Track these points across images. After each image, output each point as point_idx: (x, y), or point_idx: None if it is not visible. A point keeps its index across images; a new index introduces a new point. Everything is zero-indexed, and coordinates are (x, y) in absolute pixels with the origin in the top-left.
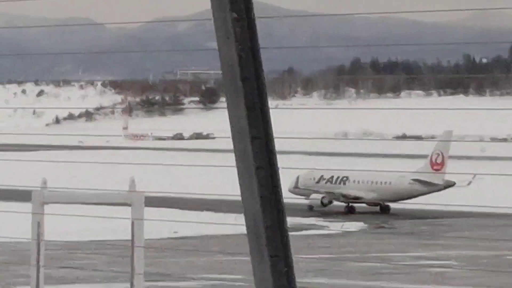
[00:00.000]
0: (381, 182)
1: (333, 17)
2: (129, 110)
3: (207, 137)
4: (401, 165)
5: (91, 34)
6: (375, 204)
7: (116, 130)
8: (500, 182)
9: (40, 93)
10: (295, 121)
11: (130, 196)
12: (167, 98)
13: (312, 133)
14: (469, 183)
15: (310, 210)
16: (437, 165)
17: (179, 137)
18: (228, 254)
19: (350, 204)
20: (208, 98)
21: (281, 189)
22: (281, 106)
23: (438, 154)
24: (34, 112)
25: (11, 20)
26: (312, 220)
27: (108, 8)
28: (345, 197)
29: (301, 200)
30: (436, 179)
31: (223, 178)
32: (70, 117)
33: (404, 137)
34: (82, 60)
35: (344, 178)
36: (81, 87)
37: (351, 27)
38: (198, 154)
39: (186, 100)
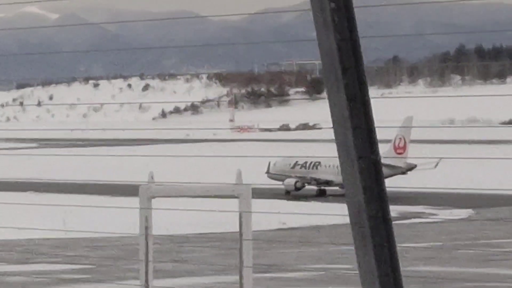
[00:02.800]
0: None
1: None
2: (234, 102)
3: (313, 127)
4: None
5: (196, 27)
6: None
7: (222, 123)
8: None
9: (146, 87)
10: (401, 109)
11: (238, 188)
12: (272, 89)
13: (418, 121)
14: (436, 165)
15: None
16: (400, 149)
17: (285, 128)
18: (336, 244)
19: (322, 187)
20: (313, 88)
21: (383, 179)
22: (387, 94)
23: (400, 139)
24: (140, 107)
25: (115, 15)
26: (420, 208)
27: (212, 0)
28: (316, 181)
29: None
30: (399, 162)
31: None
32: (176, 110)
33: (510, 123)
34: (187, 53)
35: (317, 163)
36: (187, 80)
37: (454, 13)
38: (304, 145)
39: (292, 90)
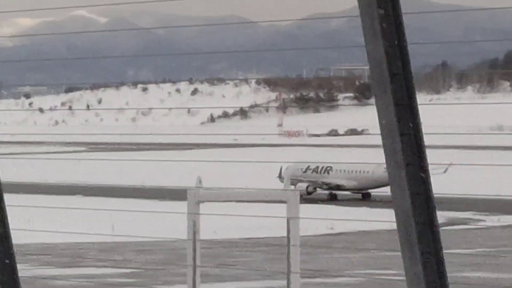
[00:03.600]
0: (360, 171)
1: (484, 10)
2: (283, 107)
3: (361, 133)
4: None
5: (245, 32)
6: (358, 192)
7: (271, 127)
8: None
9: (194, 91)
10: (450, 115)
11: (286, 193)
12: (321, 95)
13: (466, 127)
14: (446, 170)
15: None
16: None
17: (333, 133)
18: (383, 250)
19: (333, 192)
20: (362, 94)
21: (431, 185)
22: (435, 100)
23: None
24: (189, 111)
25: (161, 19)
26: (467, 214)
27: (260, 5)
28: (327, 185)
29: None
30: None
31: None
32: (225, 115)
33: None
34: (236, 58)
35: (328, 168)
36: (235, 85)
37: (503, 19)
38: (352, 150)
39: (340, 96)
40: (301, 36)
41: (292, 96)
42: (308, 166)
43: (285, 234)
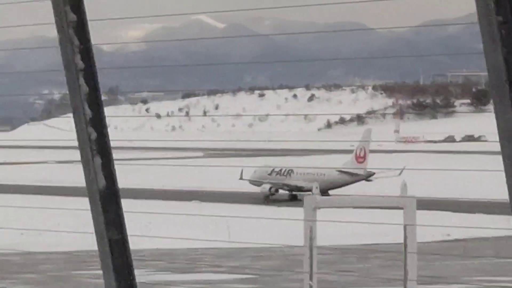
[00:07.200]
0: (317, 174)
1: None
2: (400, 114)
3: (478, 139)
4: None
5: (362, 38)
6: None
7: (388, 134)
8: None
9: (311, 97)
10: None
11: (402, 200)
12: (437, 101)
13: None
14: (400, 173)
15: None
16: (361, 158)
17: (450, 139)
18: (501, 257)
19: (293, 192)
20: (479, 100)
21: None
22: None
23: (361, 149)
24: (305, 117)
25: (279, 25)
26: None
27: (377, 12)
28: (288, 186)
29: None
30: (359, 170)
31: (495, 181)
32: (342, 121)
33: None
34: (353, 64)
35: (290, 171)
36: (352, 91)
37: None
38: (469, 157)
39: (457, 102)
40: (418, 42)
41: (409, 102)
42: (273, 169)
43: (401, 241)
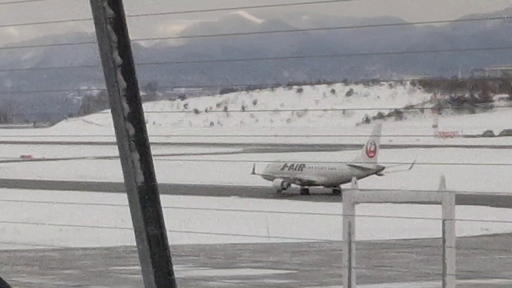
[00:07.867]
0: (328, 168)
1: None
2: (438, 108)
3: None
4: None
5: (400, 33)
6: (328, 186)
7: (426, 128)
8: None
9: (350, 92)
10: None
11: (441, 195)
12: (476, 95)
13: None
14: (411, 167)
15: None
16: (371, 152)
17: (489, 134)
18: None
19: (305, 187)
20: None
21: None
22: None
23: (372, 144)
24: (344, 112)
25: (317, 20)
26: None
27: (415, 6)
28: (300, 181)
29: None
30: (369, 164)
31: None
32: (380, 116)
33: None
34: (391, 59)
35: (302, 165)
36: (390, 86)
37: None
38: (508, 152)
39: (496, 97)
40: (457, 37)
41: (447, 97)
42: (285, 164)
43: (439, 236)
